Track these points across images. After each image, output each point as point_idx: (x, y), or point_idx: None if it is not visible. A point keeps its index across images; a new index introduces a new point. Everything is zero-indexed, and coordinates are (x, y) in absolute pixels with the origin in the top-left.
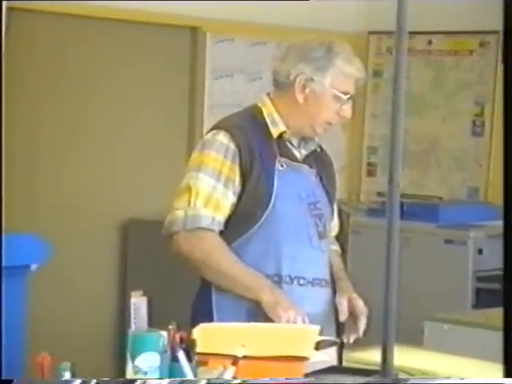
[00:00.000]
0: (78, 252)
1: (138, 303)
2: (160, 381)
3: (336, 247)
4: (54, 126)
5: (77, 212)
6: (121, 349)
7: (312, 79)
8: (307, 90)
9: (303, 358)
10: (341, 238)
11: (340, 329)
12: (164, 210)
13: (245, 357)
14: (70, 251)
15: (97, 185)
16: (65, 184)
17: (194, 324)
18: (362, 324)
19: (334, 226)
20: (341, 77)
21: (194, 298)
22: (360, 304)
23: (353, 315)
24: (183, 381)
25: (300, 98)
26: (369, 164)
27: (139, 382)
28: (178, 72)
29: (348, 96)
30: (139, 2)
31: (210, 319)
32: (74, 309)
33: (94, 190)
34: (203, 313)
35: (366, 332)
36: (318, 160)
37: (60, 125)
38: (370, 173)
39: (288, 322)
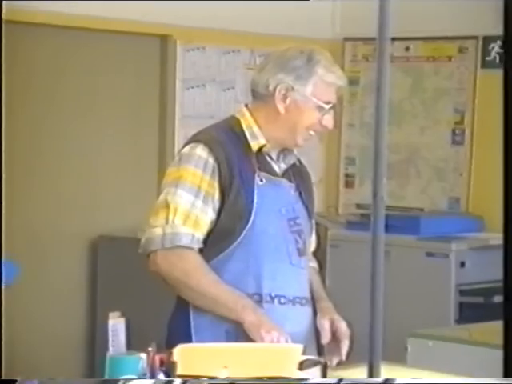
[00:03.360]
0: (45, 271)
1: (116, 325)
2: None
3: (314, 264)
4: (17, 141)
5: (44, 229)
6: (91, 370)
7: (293, 88)
8: (288, 100)
9: (287, 379)
10: (319, 252)
11: (321, 348)
12: (135, 226)
13: (228, 378)
14: (38, 270)
15: (65, 200)
16: (32, 200)
17: (170, 345)
18: (345, 347)
19: (312, 241)
20: (322, 85)
21: (169, 318)
22: (343, 326)
23: (335, 337)
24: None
25: (281, 108)
26: (346, 175)
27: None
28: (147, 82)
29: (330, 105)
30: (105, 9)
31: (188, 340)
32: (42, 330)
33: (62, 206)
34: (181, 333)
35: (348, 354)
36: (297, 174)
37: (22, 140)
38: (348, 184)
39: (271, 343)
